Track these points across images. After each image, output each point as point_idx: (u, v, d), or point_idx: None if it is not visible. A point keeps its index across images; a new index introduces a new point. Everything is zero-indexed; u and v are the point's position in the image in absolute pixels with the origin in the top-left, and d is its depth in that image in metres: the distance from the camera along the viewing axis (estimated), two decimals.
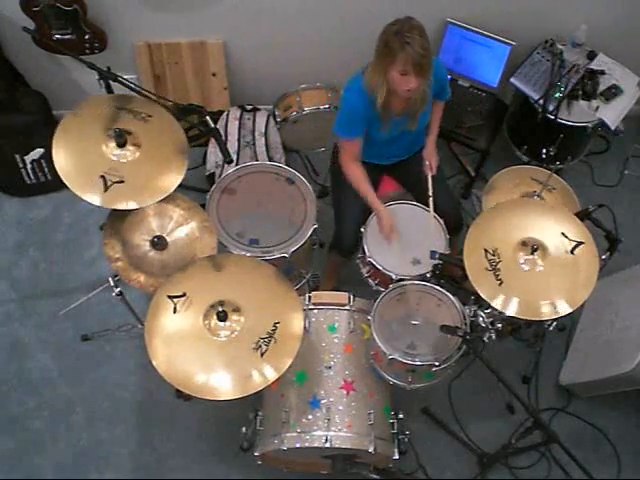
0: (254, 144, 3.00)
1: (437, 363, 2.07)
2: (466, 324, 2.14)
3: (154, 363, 1.87)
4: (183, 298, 1.95)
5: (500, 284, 2.01)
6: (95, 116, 2.14)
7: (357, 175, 2.41)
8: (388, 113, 2.28)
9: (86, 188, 2.05)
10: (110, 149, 2.10)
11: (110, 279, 2.24)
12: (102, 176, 2.06)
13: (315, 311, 2.29)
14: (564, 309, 1.99)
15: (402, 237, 2.39)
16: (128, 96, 2.21)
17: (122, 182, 2.07)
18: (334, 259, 2.67)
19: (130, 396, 2.72)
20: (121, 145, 2.08)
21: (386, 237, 2.38)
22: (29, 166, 3.09)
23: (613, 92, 2.78)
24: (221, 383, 1.84)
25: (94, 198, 2.05)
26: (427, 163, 2.49)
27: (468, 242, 2.10)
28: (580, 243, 2.06)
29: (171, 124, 2.19)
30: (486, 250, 2.06)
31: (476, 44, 2.87)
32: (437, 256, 2.26)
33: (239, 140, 2.99)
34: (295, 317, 1.96)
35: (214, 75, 3.09)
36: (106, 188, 2.05)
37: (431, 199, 2.43)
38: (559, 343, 2.80)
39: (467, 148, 3.03)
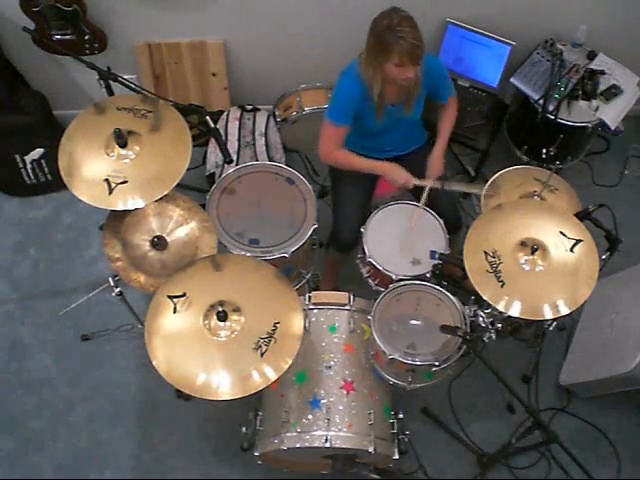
0: (254, 144, 3.00)
1: (437, 363, 2.07)
2: (466, 324, 2.14)
3: (154, 363, 1.87)
4: (183, 298, 1.96)
5: (502, 286, 2.01)
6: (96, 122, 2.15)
7: (345, 156, 2.40)
8: (383, 101, 2.28)
9: (93, 196, 2.06)
10: (112, 151, 2.09)
11: (110, 279, 2.24)
12: (106, 179, 2.06)
13: (315, 311, 2.29)
14: (565, 309, 1.99)
15: (402, 237, 2.39)
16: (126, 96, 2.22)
17: (125, 182, 2.06)
18: (332, 256, 2.67)
19: (130, 396, 2.72)
20: (122, 145, 2.08)
21: (406, 183, 2.36)
22: (29, 166, 3.09)
23: (613, 92, 2.78)
24: (221, 383, 1.84)
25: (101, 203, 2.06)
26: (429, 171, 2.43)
27: (467, 245, 2.10)
28: (579, 241, 2.06)
29: (171, 113, 2.18)
30: (486, 252, 2.06)
31: (476, 44, 2.87)
32: (437, 256, 2.27)
33: (239, 140, 2.99)
34: (295, 317, 1.96)
35: (214, 75, 3.09)
36: (110, 191, 2.05)
37: (420, 206, 2.41)
38: (559, 343, 2.80)
39: (467, 148, 3.03)
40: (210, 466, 2.57)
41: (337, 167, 2.49)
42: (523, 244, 2.07)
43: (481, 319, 2.17)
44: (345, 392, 2.15)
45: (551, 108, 2.73)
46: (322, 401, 2.13)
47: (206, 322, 1.92)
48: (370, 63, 2.17)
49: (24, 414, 2.68)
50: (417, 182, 2.38)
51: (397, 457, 2.17)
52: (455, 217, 2.56)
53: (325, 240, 2.74)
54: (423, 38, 2.08)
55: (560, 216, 2.16)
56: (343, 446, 2.05)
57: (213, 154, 3.02)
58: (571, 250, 2.05)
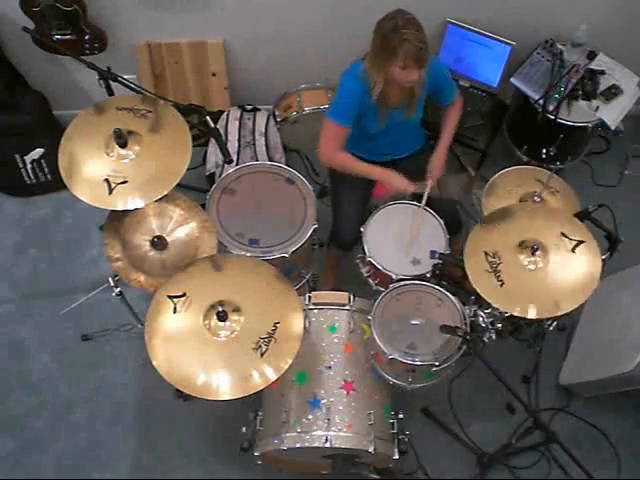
0: (254, 144, 3.00)
1: (437, 363, 2.07)
2: (466, 324, 2.14)
3: (154, 363, 1.87)
4: (183, 298, 1.96)
5: (501, 285, 2.02)
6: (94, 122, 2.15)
7: (347, 159, 2.39)
8: (386, 103, 2.28)
9: (93, 196, 2.06)
10: (112, 151, 2.09)
11: (110, 279, 2.24)
12: (106, 179, 2.06)
13: (315, 311, 2.29)
14: (565, 308, 1.99)
15: (402, 237, 2.39)
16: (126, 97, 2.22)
17: (125, 182, 2.06)
18: (332, 253, 2.68)
19: (130, 396, 2.72)
20: (122, 145, 2.08)
21: (405, 190, 2.35)
22: (29, 166, 3.09)
23: (613, 92, 2.78)
24: (221, 383, 1.84)
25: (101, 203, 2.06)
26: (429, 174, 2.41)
27: (468, 246, 2.10)
28: (581, 242, 2.06)
29: (171, 113, 2.17)
30: (486, 253, 2.07)
31: (476, 44, 2.87)
32: (437, 256, 2.27)
33: (239, 140, 2.99)
34: (295, 317, 1.96)
35: (214, 75, 3.09)
36: (110, 191, 2.05)
37: (421, 206, 2.40)
38: (559, 343, 2.79)
39: (467, 148, 3.03)
40: (210, 466, 2.57)
41: (336, 170, 2.48)
42: (523, 244, 2.07)
43: (481, 319, 2.17)
44: (345, 392, 2.15)
45: (551, 108, 2.73)
46: (322, 401, 2.13)
47: (206, 322, 1.92)
48: (374, 63, 2.17)
49: (24, 414, 2.68)
50: (416, 188, 2.37)
51: (397, 457, 2.17)
52: (455, 220, 2.56)
53: (325, 240, 2.73)
54: (427, 39, 2.08)
55: (561, 217, 2.16)
56: (343, 446, 2.05)
57: (213, 154, 3.02)
58: (573, 250, 2.05)
